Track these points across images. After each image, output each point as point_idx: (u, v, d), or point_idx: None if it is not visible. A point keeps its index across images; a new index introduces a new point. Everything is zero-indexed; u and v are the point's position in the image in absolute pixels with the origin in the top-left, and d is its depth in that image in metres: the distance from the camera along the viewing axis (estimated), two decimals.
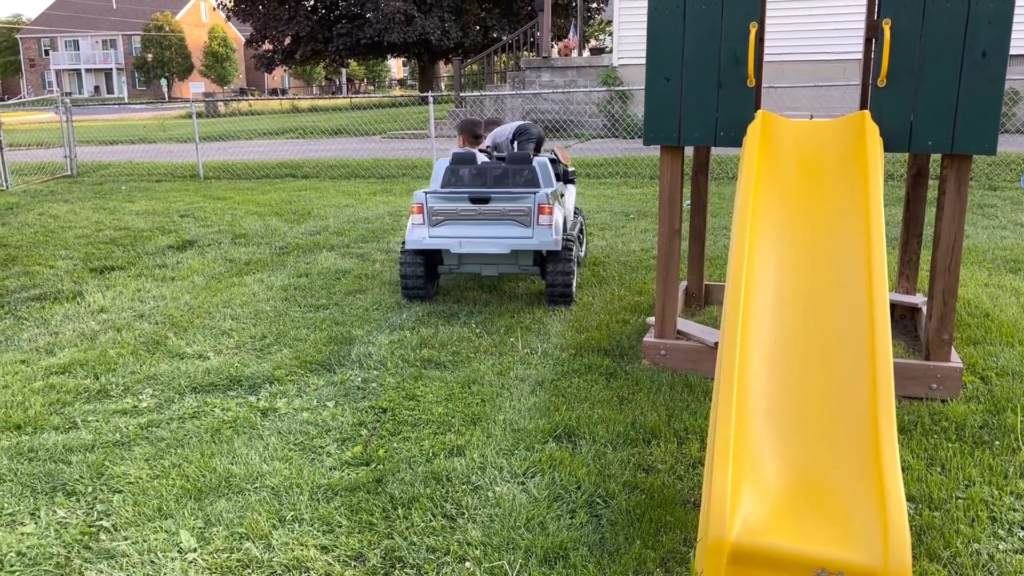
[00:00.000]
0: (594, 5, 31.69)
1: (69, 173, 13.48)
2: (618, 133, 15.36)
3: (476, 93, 15.79)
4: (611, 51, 18.09)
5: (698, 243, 5.38)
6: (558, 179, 5.86)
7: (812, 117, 3.85)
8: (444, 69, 41.44)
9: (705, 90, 3.95)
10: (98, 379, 4.18)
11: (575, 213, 6.34)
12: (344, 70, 60.98)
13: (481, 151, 6.13)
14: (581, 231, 6.41)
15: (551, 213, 5.14)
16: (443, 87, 38.25)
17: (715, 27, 3.88)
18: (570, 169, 6.31)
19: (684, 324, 4.42)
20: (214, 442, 3.43)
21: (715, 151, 11.85)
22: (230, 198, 10.35)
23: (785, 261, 3.24)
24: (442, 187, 5.37)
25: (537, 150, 6.36)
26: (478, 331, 4.86)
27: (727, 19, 3.86)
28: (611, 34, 23.82)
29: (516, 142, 6.32)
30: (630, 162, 12.01)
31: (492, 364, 4.31)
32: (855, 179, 3.38)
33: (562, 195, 5.73)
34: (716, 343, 4.13)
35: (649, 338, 4.32)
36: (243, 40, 64.77)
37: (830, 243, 3.23)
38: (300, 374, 4.22)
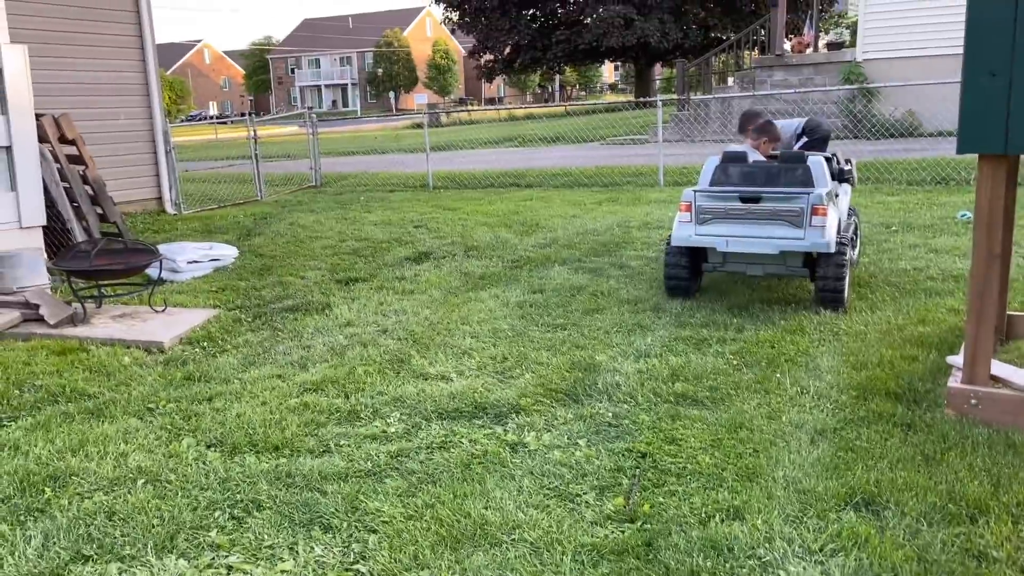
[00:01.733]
0: None
1: (314, 184, 14.42)
2: (861, 134, 14.02)
3: (701, 96, 15.09)
4: (851, 45, 16.65)
5: (1000, 266, 4.54)
6: (833, 178, 5.44)
7: None
8: (659, 72, 40.63)
9: None
10: (348, 399, 4.16)
11: (850, 213, 5.97)
12: (558, 77, 61.78)
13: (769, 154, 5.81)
14: (855, 232, 6.02)
15: (825, 215, 4.92)
16: (657, 90, 37.50)
17: None
18: (846, 168, 5.78)
19: (999, 368, 3.67)
20: (465, 480, 3.23)
21: None
22: (459, 208, 10.49)
23: None
24: (711, 185, 5.34)
25: (823, 146, 5.97)
26: (735, 362, 4.36)
27: None
28: (847, 27, 22.04)
29: (804, 139, 5.95)
30: (881, 166, 10.84)
31: (757, 404, 3.81)
32: None
33: (837, 195, 5.42)
34: None
35: (955, 383, 3.62)
36: (463, 52, 67.60)
37: None
38: (546, 404, 3.96)
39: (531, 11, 34.45)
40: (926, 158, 10.80)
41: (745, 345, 4.61)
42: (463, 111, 33.31)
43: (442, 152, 17.69)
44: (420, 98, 72.88)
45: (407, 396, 4.14)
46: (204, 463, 3.50)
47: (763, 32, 17.74)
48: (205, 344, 5.21)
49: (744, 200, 5.11)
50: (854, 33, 19.22)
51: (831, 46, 16.60)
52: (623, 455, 3.37)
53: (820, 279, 5.05)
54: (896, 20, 14.20)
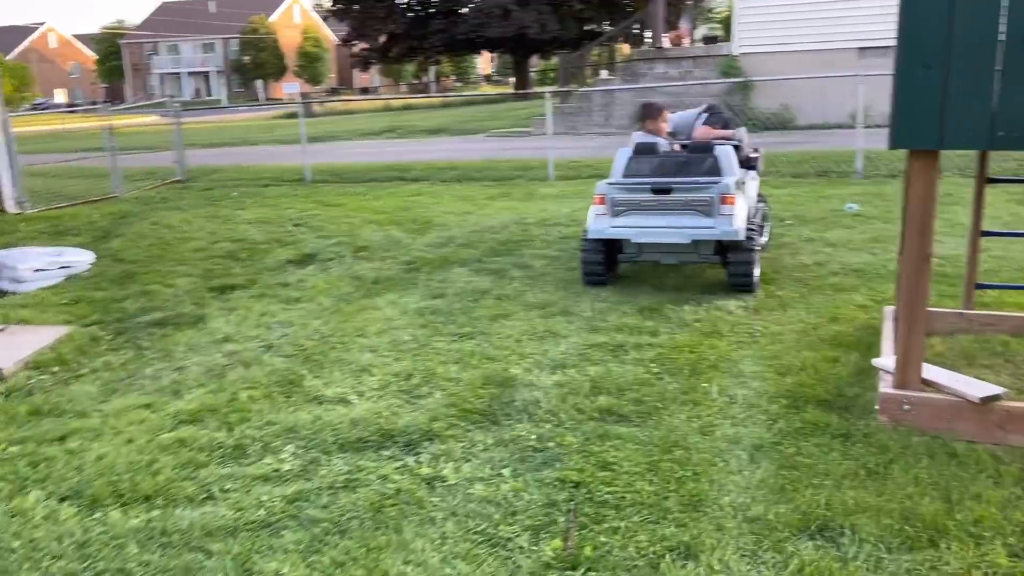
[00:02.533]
0: None
1: (180, 178, 13.37)
2: (740, 126, 14.32)
3: (588, 88, 15.00)
4: (725, 39, 17.03)
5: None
6: (741, 165, 5.61)
7: None
8: (534, 63, 40.71)
9: (980, 79, 3.08)
10: (232, 431, 3.62)
11: (759, 199, 6.18)
12: (433, 67, 61.08)
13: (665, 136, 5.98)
14: (764, 217, 6.29)
15: (733, 203, 5.08)
16: (533, 82, 37.56)
17: None
18: (753, 156, 5.99)
19: (930, 371, 3.56)
20: (378, 528, 2.80)
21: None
22: (343, 204, 9.89)
23: None
24: (624, 177, 5.44)
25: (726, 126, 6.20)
26: (656, 371, 4.11)
27: None
28: (719, 22, 22.65)
29: (704, 118, 6.18)
30: (765, 159, 10.98)
31: (688, 418, 3.56)
32: None
33: (745, 183, 5.59)
34: (984, 398, 3.27)
35: (887, 388, 3.48)
36: (336, 40, 65.63)
37: None
38: (462, 427, 3.57)
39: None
40: (809, 151, 11.06)
41: (663, 351, 4.37)
42: (338, 101, 32.19)
43: (319, 144, 16.86)
44: (290, 87, 70.30)
45: (301, 425, 3.65)
46: (57, 522, 2.92)
47: (637, 26, 17.90)
48: (56, 369, 4.51)
49: (656, 191, 5.25)
50: (727, 28, 19.73)
51: (707, 40, 16.91)
52: (554, 486, 3.03)
53: (731, 266, 5.22)
54: (769, 16, 14.57)
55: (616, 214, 5.33)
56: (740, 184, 5.35)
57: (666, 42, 15.83)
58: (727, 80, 13.82)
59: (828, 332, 4.57)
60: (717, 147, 5.41)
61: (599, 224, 5.36)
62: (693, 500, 2.89)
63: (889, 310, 4.64)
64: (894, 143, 3.29)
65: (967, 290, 4.60)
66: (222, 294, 5.96)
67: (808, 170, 10.26)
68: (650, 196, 5.26)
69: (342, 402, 3.90)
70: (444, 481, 3.11)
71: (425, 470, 3.20)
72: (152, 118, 28.26)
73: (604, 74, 18.18)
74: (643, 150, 5.52)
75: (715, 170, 5.28)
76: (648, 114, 6.14)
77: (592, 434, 3.43)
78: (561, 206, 8.97)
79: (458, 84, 77.89)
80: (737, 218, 5.06)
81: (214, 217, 9.44)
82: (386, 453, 3.37)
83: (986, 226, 4.51)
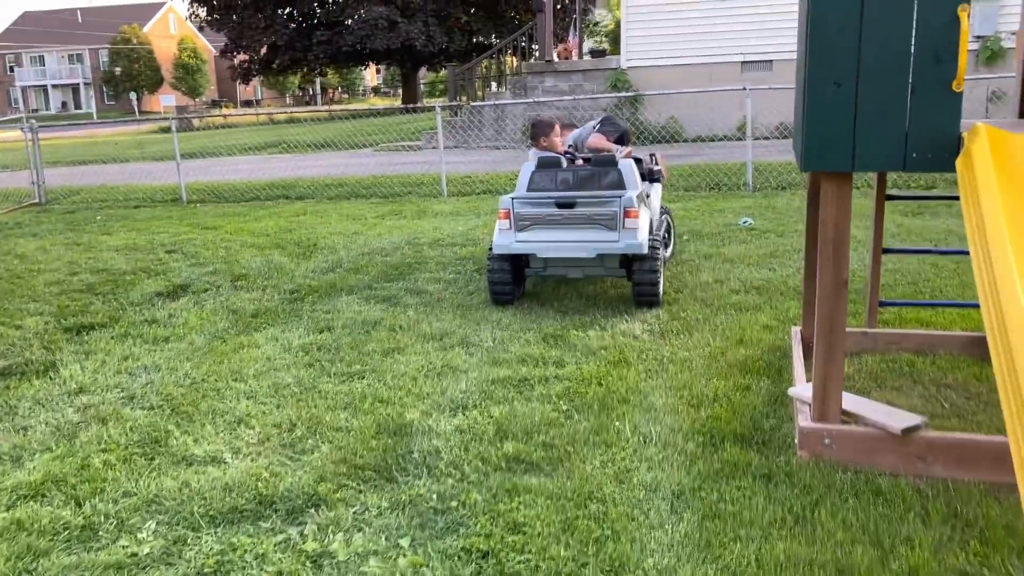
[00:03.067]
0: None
1: (37, 200, 12.28)
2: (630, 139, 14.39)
3: (480, 102, 14.74)
4: (613, 52, 17.15)
5: (813, 283, 4.43)
6: (643, 178, 5.73)
7: None
8: (423, 75, 40.32)
9: (892, 98, 2.95)
10: (81, 507, 3.10)
11: (662, 212, 6.25)
12: (319, 79, 59.76)
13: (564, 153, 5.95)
14: (668, 230, 6.38)
15: (637, 216, 5.11)
16: (423, 94, 37.19)
17: (907, 11, 2.88)
18: (656, 168, 6.05)
19: (849, 400, 3.41)
20: None
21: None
22: (221, 227, 9.23)
23: None
24: (528, 191, 5.42)
25: (621, 142, 6.21)
26: (565, 408, 3.83)
27: (924, 0, 2.87)
28: (605, 35, 22.91)
29: (599, 128, 6.23)
30: None
31: (602, 463, 3.28)
32: None
33: (648, 195, 5.67)
34: (905, 428, 3.13)
35: (805, 422, 3.31)
36: (214, 51, 63.19)
37: None
38: (353, 488, 3.17)
39: (288, 9, 32.68)
40: (699, 164, 11.13)
41: (571, 384, 4.10)
42: (218, 116, 30.81)
43: (196, 160, 15.90)
44: (167, 99, 67.23)
45: (165, 495, 3.16)
46: None
47: (525, 39, 17.84)
48: None
49: (560, 205, 5.20)
50: (614, 41, 19.96)
51: (594, 53, 16.99)
52: (460, 558, 2.68)
53: (636, 280, 5.21)
54: (655, 30, 14.73)
55: (521, 228, 5.28)
56: (643, 197, 5.41)
57: (555, 55, 15.77)
58: (615, 95, 13.83)
59: (737, 356, 4.41)
60: (620, 160, 5.44)
61: (504, 239, 5.30)
62: (614, 566, 2.60)
63: (796, 331, 4.53)
64: (805, 165, 3.12)
65: (870, 308, 4.54)
66: (78, 335, 5.32)
67: (700, 183, 10.31)
68: (554, 210, 5.21)
69: (214, 462, 3.43)
70: (333, 558, 2.72)
71: (311, 545, 2.79)
72: (16, 133, 26.27)
73: (494, 87, 18.00)
74: (546, 164, 5.49)
75: (618, 184, 5.33)
76: (540, 131, 6.00)
77: (499, 489, 3.10)
78: (455, 224, 8.64)
79: (345, 96, 76.53)
80: (641, 231, 5.10)
81: (75, 244, 8.61)
82: (265, 525, 2.94)
83: None
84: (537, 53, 17.06)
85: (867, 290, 4.56)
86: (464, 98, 18.08)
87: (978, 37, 13.24)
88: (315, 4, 32.48)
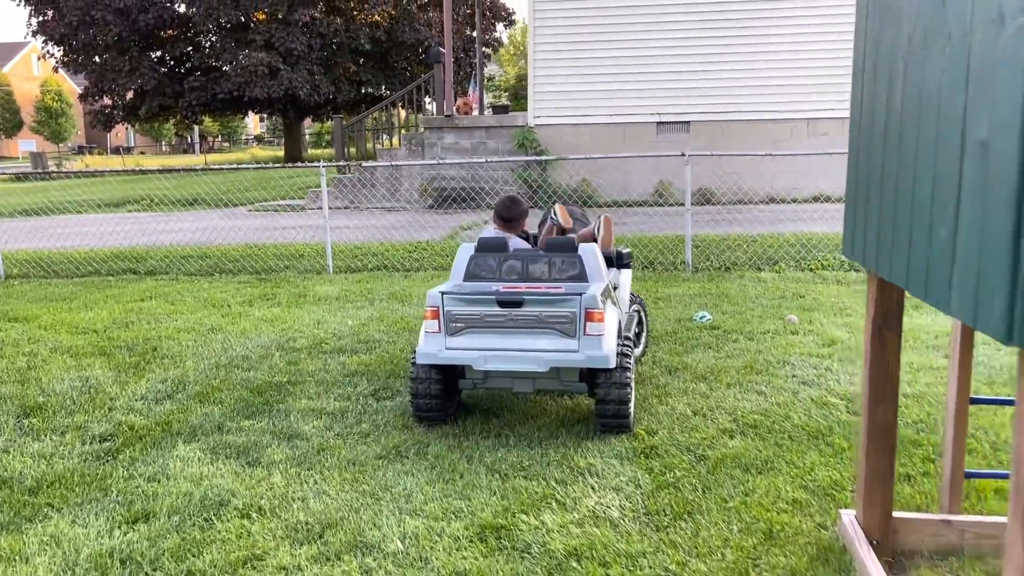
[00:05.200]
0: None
1: None
2: (540, 202, 13.08)
3: (371, 163, 13.08)
4: (516, 108, 15.94)
5: (883, 450, 3.08)
6: (610, 264, 4.72)
7: None
8: (309, 125, 38.38)
9: None
10: None
11: (632, 301, 5.18)
12: (197, 127, 56.56)
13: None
14: (640, 323, 5.25)
15: (602, 320, 4.00)
16: (308, 145, 35.26)
17: None
18: (624, 251, 4.96)
19: None
20: None
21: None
22: (34, 318, 7.14)
23: None
24: (464, 281, 4.35)
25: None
26: None
27: None
28: (506, 91, 21.83)
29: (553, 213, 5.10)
30: None
31: None
32: None
33: (616, 287, 4.74)
34: None
35: None
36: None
37: None
38: None
39: (158, 52, 30.18)
40: (627, 235, 9.81)
41: None
42: (63, 174, 27.80)
43: (30, 220, 13.48)
44: (27, 144, 62.13)
45: None
46: None
47: (417, 92, 16.42)
48: None
49: (503, 304, 4.05)
50: (513, 96, 18.83)
51: (496, 109, 15.74)
52: None
53: (600, 398, 4.08)
54: (565, 86, 13.57)
55: (453, 332, 4.13)
56: (610, 291, 4.38)
57: (454, 110, 14.38)
58: (525, 158, 12.49)
59: (775, 567, 2.92)
60: (582, 245, 4.38)
61: (431, 346, 4.15)
62: None
63: (848, 519, 3.11)
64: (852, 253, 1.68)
65: (952, 483, 3.17)
66: None
67: (634, 260, 8.96)
68: (496, 310, 4.07)
69: None
70: None
71: None
72: None
73: (386, 141, 16.41)
74: (489, 246, 4.41)
75: (578, 275, 4.28)
76: (508, 213, 4.88)
77: None
78: (343, 315, 6.93)
79: (226, 145, 73.22)
80: (607, 338, 4.03)
81: None
82: None
83: None
84: (434, 107, 15.63)
85: (946, 456, 3.19)
86: (353, 150, 16.40)
87: None
88: (189, 48, 30.12)
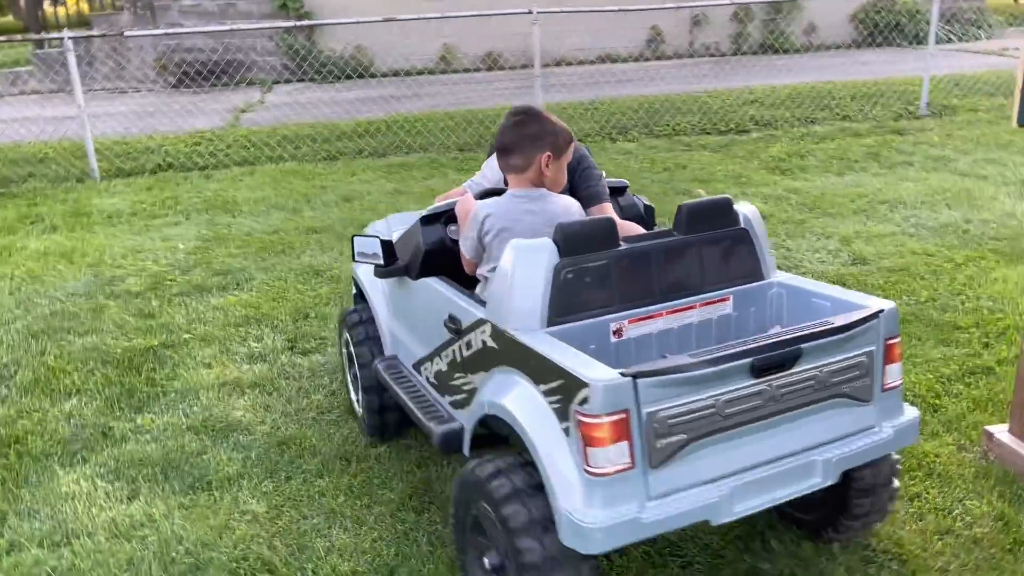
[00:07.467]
0: None
1: None
2: (308, 76, 11.38)
3: (79, 33, 10.33)
4: None
5: None
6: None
7: None
8: None
9: None
10: None
11: None
12: None
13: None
14: None
15: (901, 358, 2.16)
16: None
17: None
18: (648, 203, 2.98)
19: None
20: None
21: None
22: None
23: None
24: (559, 319, 2.07)
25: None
26: None
27: None
28: None
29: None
30: (368, 128, 8.34)
31: None
32: None
33: None
34: None
35: None
36: None
37: None
38: None
39: None
40: (407, 114, 8.66)
41: None
42: None
43: None
44: None
45: None
46: None
47: None
48: None
49: (762, 369, 1.90)
50: None
51: None
52: None
53: (859, 491, 2.28)
54: None
55: (665, 458, 1.90)
56: None
57: None
58: (285, 24, 10.66)
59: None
60: (738, 206, 2.33)
61: (614, 506, 1.86)
62: None
63: (1002, 435, 2.77)
64: None
65: None
66: None
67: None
68: (747, 385, 1.97)
69: None
70: None
71: None
72: None
73: (99, 2, 13.27)
74: (579, 233, 2.13)
75: (751, 270, 2.39)
76: (559, 144, 2.38)
77: None
78: (159, 236, 5.35)
79: None
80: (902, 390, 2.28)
81: None
82: None
83: None
84: None
85: None
86: (51, 12, 13.10)
87: None
88: None
